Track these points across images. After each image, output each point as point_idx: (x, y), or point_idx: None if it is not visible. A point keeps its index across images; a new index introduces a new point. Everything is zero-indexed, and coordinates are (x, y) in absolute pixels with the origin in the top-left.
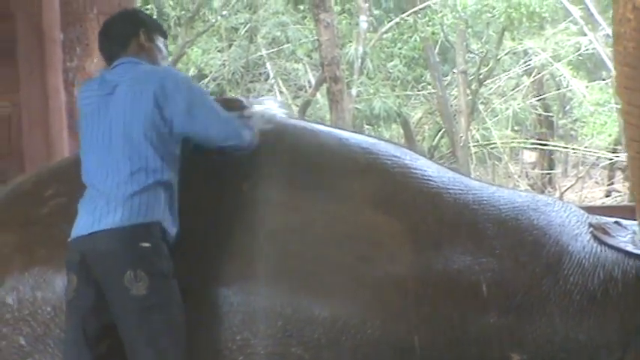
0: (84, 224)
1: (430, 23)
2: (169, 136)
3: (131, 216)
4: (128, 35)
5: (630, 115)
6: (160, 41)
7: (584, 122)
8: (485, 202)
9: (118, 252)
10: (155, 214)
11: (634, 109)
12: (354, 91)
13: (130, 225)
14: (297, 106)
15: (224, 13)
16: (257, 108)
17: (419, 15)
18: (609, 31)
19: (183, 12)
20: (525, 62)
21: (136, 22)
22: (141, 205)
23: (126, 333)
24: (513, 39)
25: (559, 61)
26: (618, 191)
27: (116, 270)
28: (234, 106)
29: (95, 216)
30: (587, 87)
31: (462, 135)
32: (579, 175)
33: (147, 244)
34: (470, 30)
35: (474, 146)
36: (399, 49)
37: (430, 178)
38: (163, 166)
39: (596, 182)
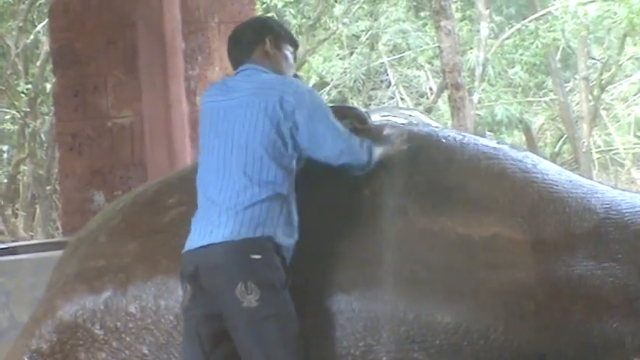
0: (197, 237)
1: (551, 29)
2: (286, 150)
3: (241, 230)
4: (254, 42)
5: None
6: (287, 50)
7: None
8: (607, 206)
9: (229, 264)
10: (267, 228)
11: None
12: (475, 98)
13: (240, 239)
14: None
15: (345, 20)
16: (376, 118)
17: (540, 21)
18: None
19: (304, 20)
20: None
21: (263, 29)
22: (252, 218)
23: (240, 344)
24: (635, 44)
25: None
26: None
27: (228, 282)
28: (349, 114)
29: (207, 229)
30: None
31: (584, 141)
32: None
33: (257, 256)
34: (591, 36)
35: (596, 152)
36: (521, 55)
37: (552, 182)
38: (278, 179)
39: None
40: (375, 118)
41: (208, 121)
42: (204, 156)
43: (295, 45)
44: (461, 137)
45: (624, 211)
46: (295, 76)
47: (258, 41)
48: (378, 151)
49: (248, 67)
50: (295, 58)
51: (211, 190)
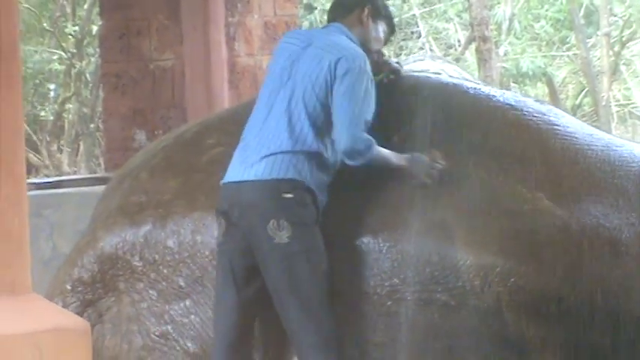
0: (234, 171)
1: None
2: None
3: (272, 171)
4: (353, 5)
5: None
6: (381, 25)
7: None
8: (626, 158)
9: (262, 202)
10: (297, 174)
11: None
12: (501, 51)
13: (272, 178)
14: None
15: None
16: (411, 68)
17: None
18: None
19: None
20: None
21: None
22: (284, 162)
23: (270, 279)
24: None
25: None
26: None
27: (260, 219)
28: (383, 69)
29: (243, 165)
30: None
31: (604, 94)
32: None
33: (289, 195)
34: None
35: (615, 105)
36: (546, 10)
37: (574, 135)
38: (317, 136)
39: None
40: (408, 68)
41: (276, 61)
42: (262, 94)
43: (392, 28)
44: (488, 89)
45: None
46: (379, 52)
47: (358, 6)
48: (379, 157)
49: (336, 25)
50: (387, 40)
51: (256, 128)
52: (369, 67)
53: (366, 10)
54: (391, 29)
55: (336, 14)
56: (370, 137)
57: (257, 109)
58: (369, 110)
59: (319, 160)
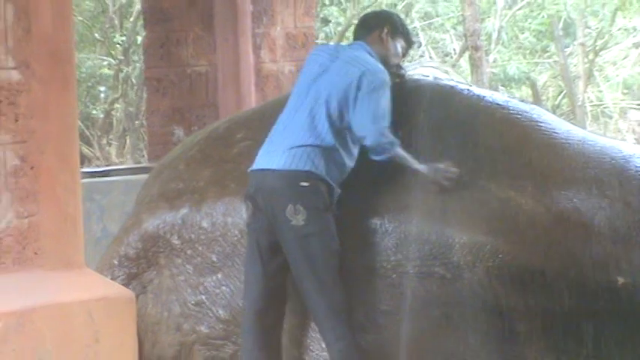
0: (260, 160)
1: (556, 2)
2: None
3: (293, 162)
4: (374, 26)
5: None
6: (399, 43)
7: None
8: (599, 151)
9: (282, 189)
10: (314, 167)
11: None
12: (491, 58)
13: (292, 169)
14: None
15: None
16: (413, 72)
17: None
18: None
19: None
20: (634, 36)
21: (385, 19)
22: (302, 156)
23: (289, 257)
24: (624, 17)
25: None
26: None
27: (280, 204)
28: (391, 70)
29: (269, 156)
30: None
31: (579, 96)
32: None
33: (306, 184)
34: (588, 9)
35: (589, 106)
36: (530, 23)
37: (554, 131)
38: (334, 135)
39: None
40: (411, 72)
41: (307, 68)
42: (291, 98)
43: (410, 44)
44: (480, 91)
45: (613, 154)
46: (398, 66)
47: (378, 27)
48: (401, 156)
49: (359, 43)
50: (405, 54)
51: (282, 123)
52: (389, 81)
53: (385, 30)
54: (409, 44)
55: (359, 33)
56: (394, 137)
57: (286, 110)
58: (388, 114)
59: (335, 155)
